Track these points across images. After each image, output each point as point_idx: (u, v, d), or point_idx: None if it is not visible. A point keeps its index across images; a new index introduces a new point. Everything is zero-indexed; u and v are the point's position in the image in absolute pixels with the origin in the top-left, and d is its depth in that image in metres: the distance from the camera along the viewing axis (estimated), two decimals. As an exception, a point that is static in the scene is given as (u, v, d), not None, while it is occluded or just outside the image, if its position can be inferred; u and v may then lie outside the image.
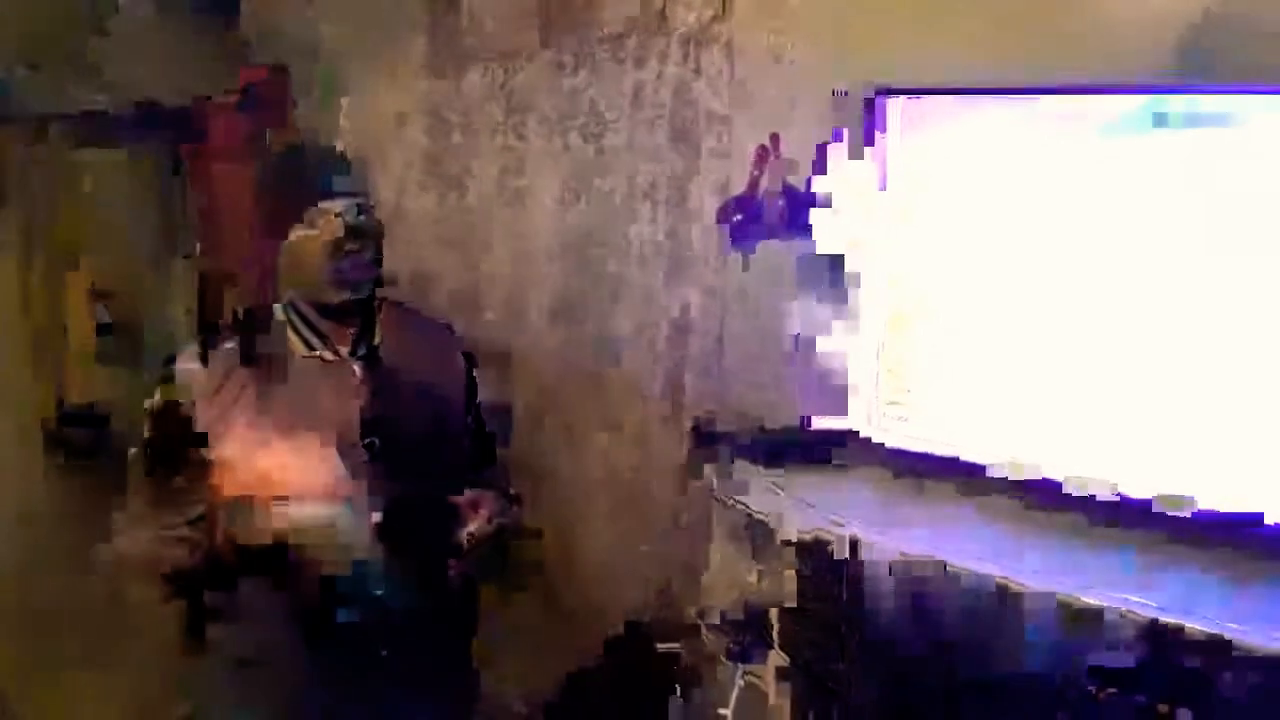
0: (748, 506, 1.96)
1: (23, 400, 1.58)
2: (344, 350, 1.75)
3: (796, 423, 2.16)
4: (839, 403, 2.10)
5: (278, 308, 1.78)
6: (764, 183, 2.36)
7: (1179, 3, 1.87)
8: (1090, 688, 1.81)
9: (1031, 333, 1.90)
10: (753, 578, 2.25)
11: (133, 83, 3.04)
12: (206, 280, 3.12)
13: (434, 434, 1.79)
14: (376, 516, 1.69)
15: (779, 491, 2.00)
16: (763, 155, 2.35)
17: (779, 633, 1.90)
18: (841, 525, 1.83)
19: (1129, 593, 1.59)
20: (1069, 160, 1.83)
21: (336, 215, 1.71)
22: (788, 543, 1.88)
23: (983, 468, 1.92)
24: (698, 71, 2.42)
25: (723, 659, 2.03)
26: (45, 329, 2.87)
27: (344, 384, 1.74)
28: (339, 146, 3.28)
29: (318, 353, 1.75)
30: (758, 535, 2.25)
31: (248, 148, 3.09)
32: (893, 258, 2.07)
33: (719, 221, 2.43)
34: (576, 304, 2.73)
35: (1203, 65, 1.81)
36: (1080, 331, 1.83)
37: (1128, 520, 1.78)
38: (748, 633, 2.04)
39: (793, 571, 1.89)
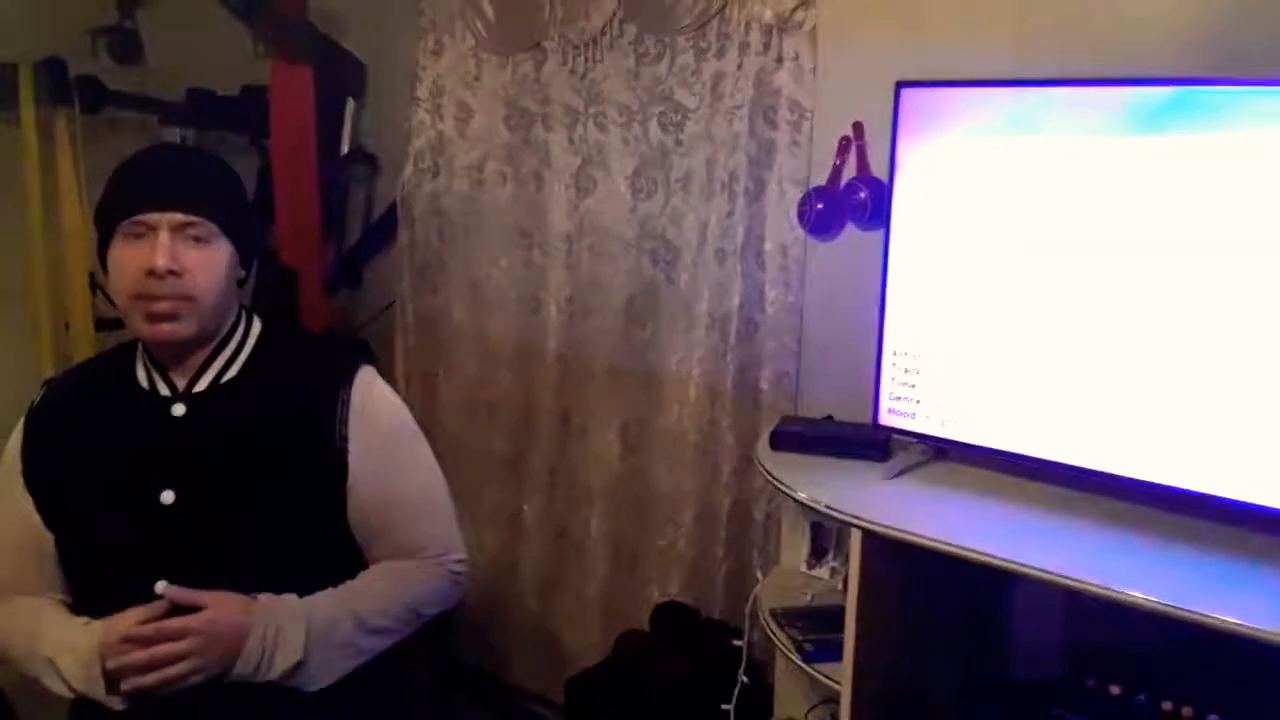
0: (819, 502, 1.93)
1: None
2: (180, 383, 1.47)
3: (869, 419, 2.14)
4: (907, 399, 2.08)
5: None
6: (846, 173, 2.35)
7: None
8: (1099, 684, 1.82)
9: (1049, 325, 1.90)
10: (825, 575, 2.26)
11: (179, 68, 3.04)
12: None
13: (276, 502, 1.44)
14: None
15: (852, 487, 1.99)
16: (845, 145, 2.34)
17: (850, 634, 1.86)
18: (912, 523, 1.81)
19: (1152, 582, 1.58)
20: (1092, 155, 1.82)
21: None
22: (865, 539, 1.84)
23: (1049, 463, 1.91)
24: (779, 60, 2.40)
25: (794, 658, 2.00)
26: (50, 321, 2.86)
27: (163, 423, 1.45)
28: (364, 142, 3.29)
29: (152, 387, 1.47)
30: (830, 533, 2.26)
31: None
32: (912, 252, 2.06)
33: (799, 213, 2.40)
34: (649, 298, 2.71)
35: (1225, 58, 1.81)
36: (1106, 326, 1.83)
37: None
38: (822, 632, 2.02)
39: (863, 570, 1.85)
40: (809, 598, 2.20)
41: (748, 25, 2.42)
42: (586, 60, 2.73)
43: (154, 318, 1.39)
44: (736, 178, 2.49)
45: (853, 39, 2.31)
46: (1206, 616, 1.49)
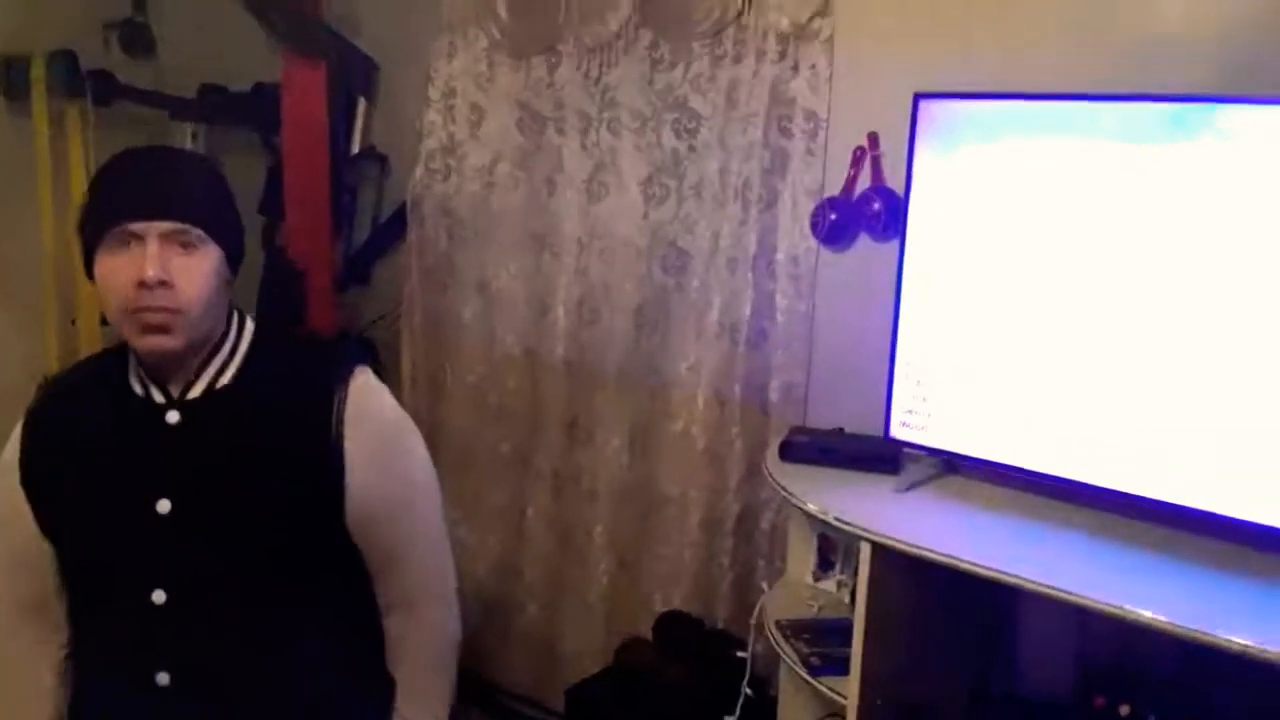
0: (828, 514, 1.92)
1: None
2: (174, 390, 1.43)
3: (879, 431, 2.14)
4: (919, 412, 2.08)
5: None
6: (860, 184, 2.34)
7: (1224, 13, 1.88)
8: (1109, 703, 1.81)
9: (1062, 340, 1.89)
10: (832, 587, 2.25)
11: (192, 64, 3.03)
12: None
13: (274, 509, 1.42)
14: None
15: (862, 500, 1.98)
16: (860, 156, 2.33)
17: (857, 648, 1.85)
18: (922, 537, 1.80)
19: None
20: (1109, 170, 1.81)
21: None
22: (874, 552, 1.84)
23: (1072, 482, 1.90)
24: (795, 69, 2.39)
25: (801, 672, 1.99)
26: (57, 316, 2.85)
27: (157, 432, 1.42)
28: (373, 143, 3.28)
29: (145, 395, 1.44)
30: (837, 545, 2.25)
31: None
32: (926, 264, 2.06)
33: (813, 223, 2.39)
34: (660, 304, 2.70)
35: (1246, 75, 1.81)
36: (1113, 338, 1.83)
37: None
38: (828, 645, 2.01)
39: (872, 584, 1.85)
40: (815, 610, 2.19)
41: (764, 33, 2.41)
42: (601, 65, 2.72)
43: (146, 330, 1.36)
44: (750, 186, 2.48)
45: (869, 49, 2.31)
46: (1217, 638, 1.49)
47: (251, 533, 1.42)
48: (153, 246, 1.34)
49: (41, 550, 1.46)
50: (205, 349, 1.44)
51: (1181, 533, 1.80)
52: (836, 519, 1.90)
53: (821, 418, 2.43)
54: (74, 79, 2.78)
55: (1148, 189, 1.77)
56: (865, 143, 2.32)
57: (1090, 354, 1.85)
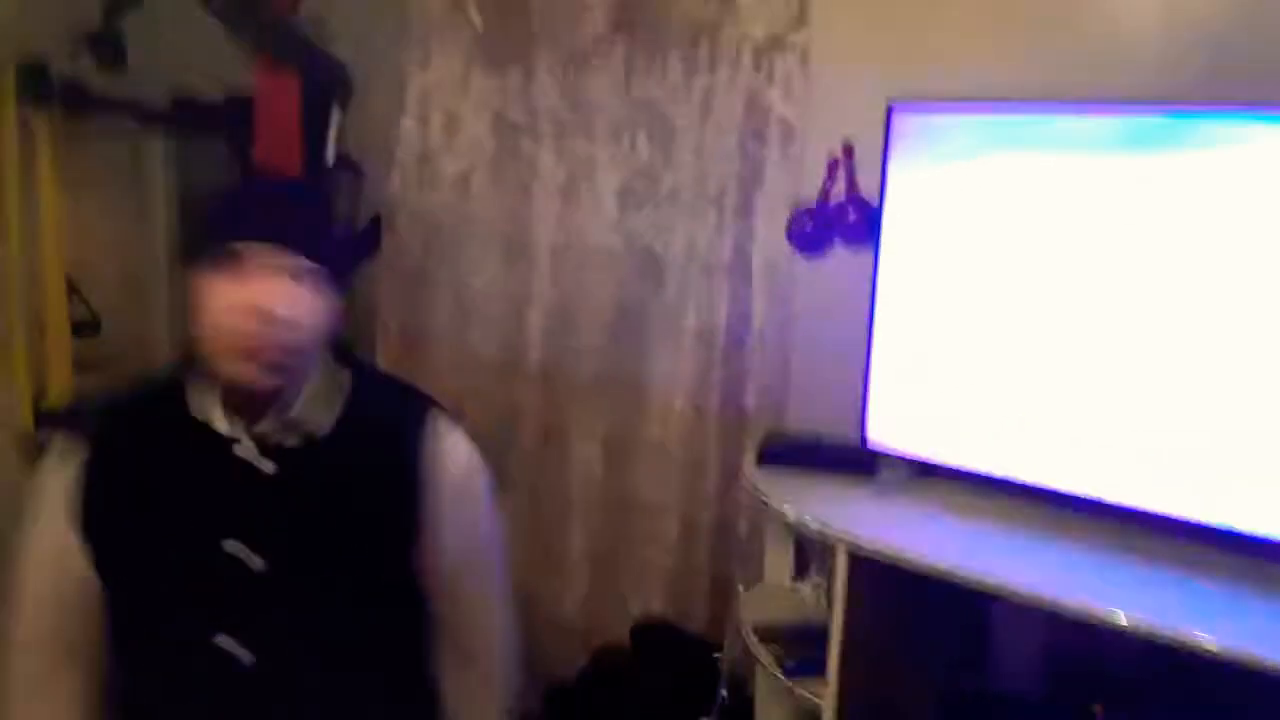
0: (806, 521, 1.95)
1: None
2: (254, 430, 1.35)
3: (856, 436, 2.16)
4: (895, 418, 2.10)
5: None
6: (835, 192, 2.36)
7: (1195, 20, 1.91)
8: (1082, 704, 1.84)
9: (1033, 349, 1.92)
10: (808, 591, 2.27)
11: (163, 74, 3.01)
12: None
13: (356, 557, 1.36)
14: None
15: (839, 505, 2.00)
16: (834, 165, 2.36)
17: (834, 650, 1.88)
18: (897, 542, 1.83)
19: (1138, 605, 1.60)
20: (1082, 177, 1.84)
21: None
22: (850, 557, 1.86)
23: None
24: (771, 79, 2.41)
25: (775, 673, 2.01)
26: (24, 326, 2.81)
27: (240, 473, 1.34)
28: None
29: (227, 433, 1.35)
30: (814, 549, 2.27)
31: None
32: (901, 272, 2.08)
33: (788, 231, 2.42)
34: (636, 312, 2.71)
35: (1218, 83, 1.84)
36: (1089, 346, 1.85)
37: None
38: (804, 648, 2.03)
39: (847, 588, 1.87)
40: (792, 613, 2.21)
41: (740, 43, 2.44)
42: (576, 73, 2.74)
43: (257, 364, 1.28)
44: (725, 194, 2.50)
45: (845, 59, 2.33)
46: (1185, 638, 1.52)
47: (330, 582, 1.36)
48: (284, 279, 1.28)
49: (90, 593, 1.37)
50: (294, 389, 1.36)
51: (1154, 537, 1.82)
52: (813, 525, 1.92)
53: (798, 423, 2.45)
54: (44, 89, 2.76)
55: (1120, 197, 1.80)
56: (840, 152, 2.35)
57: (1063, 362, 1.88)
